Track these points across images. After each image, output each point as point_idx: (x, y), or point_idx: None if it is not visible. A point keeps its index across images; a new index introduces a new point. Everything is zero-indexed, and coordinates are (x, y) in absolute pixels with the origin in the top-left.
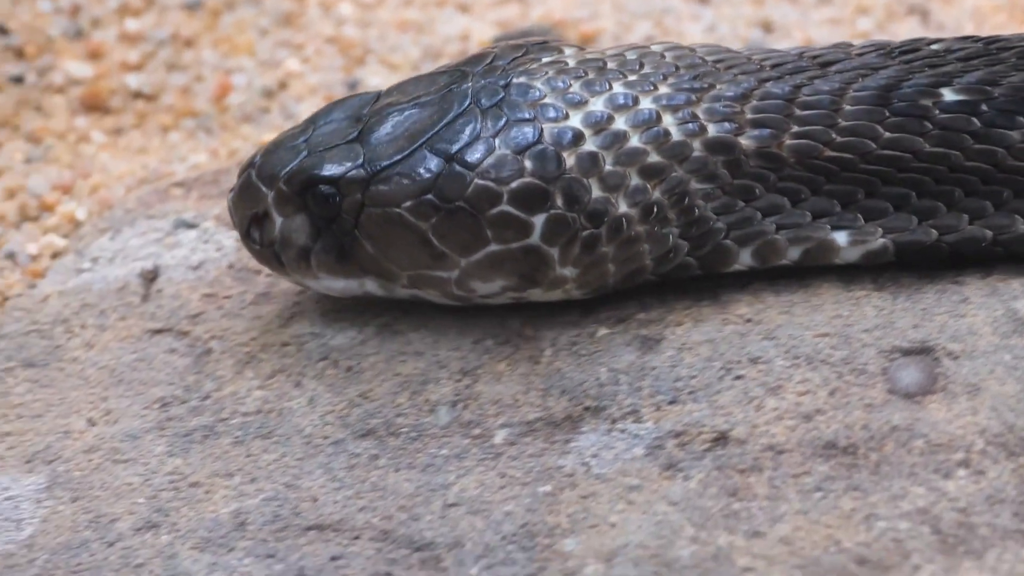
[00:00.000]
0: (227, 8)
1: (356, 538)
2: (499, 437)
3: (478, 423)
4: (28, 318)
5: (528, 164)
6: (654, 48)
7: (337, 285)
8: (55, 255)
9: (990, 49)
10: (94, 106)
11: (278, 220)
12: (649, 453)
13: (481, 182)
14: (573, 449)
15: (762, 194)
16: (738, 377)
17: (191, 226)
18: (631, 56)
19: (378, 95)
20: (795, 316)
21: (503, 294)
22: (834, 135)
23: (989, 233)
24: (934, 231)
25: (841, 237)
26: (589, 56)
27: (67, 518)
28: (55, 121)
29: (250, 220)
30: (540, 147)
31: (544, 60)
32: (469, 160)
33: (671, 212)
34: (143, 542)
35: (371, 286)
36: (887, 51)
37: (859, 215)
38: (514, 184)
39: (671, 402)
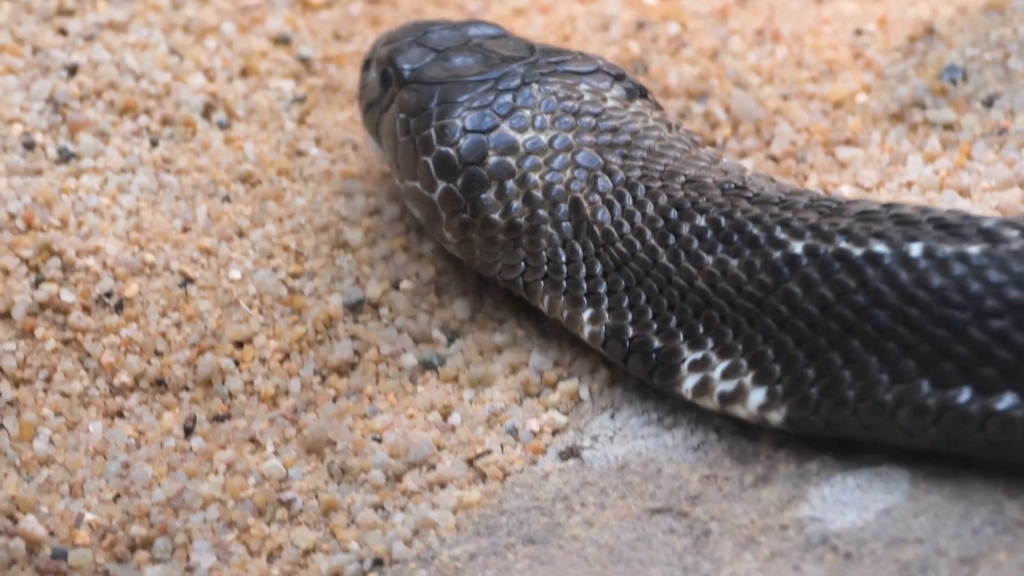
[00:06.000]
0: None
1: None
2: None
3: None
4: (529, 494)
5: (463, 142)
6: (651, 122)
7: (374, 147)
8: (555, 432)
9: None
10: None
11: (372, 73)
12: None
13: (431, 132)
14: None
15: (573, 257)
16: None
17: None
18: (623, 121)
19: (505, 35)
20: None
21: (424, 224)
22: (616, 219)
23: (660, 345)
24: (632, 333)
25: (587, 314)
26: (607, 106)
27: None
28: None
29: (367, 61)
30: (480, 137)
31: (581, 86)
32: (445, 112)
33: (524, 239)
34: None
35: (387, 165)
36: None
37: (605, 296)
38: (443, 149)
39: None
